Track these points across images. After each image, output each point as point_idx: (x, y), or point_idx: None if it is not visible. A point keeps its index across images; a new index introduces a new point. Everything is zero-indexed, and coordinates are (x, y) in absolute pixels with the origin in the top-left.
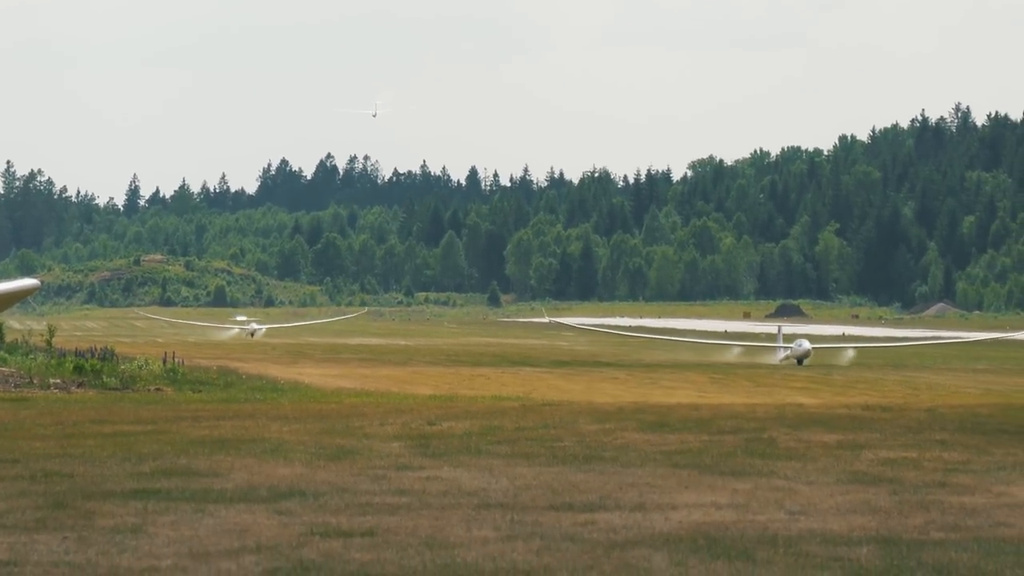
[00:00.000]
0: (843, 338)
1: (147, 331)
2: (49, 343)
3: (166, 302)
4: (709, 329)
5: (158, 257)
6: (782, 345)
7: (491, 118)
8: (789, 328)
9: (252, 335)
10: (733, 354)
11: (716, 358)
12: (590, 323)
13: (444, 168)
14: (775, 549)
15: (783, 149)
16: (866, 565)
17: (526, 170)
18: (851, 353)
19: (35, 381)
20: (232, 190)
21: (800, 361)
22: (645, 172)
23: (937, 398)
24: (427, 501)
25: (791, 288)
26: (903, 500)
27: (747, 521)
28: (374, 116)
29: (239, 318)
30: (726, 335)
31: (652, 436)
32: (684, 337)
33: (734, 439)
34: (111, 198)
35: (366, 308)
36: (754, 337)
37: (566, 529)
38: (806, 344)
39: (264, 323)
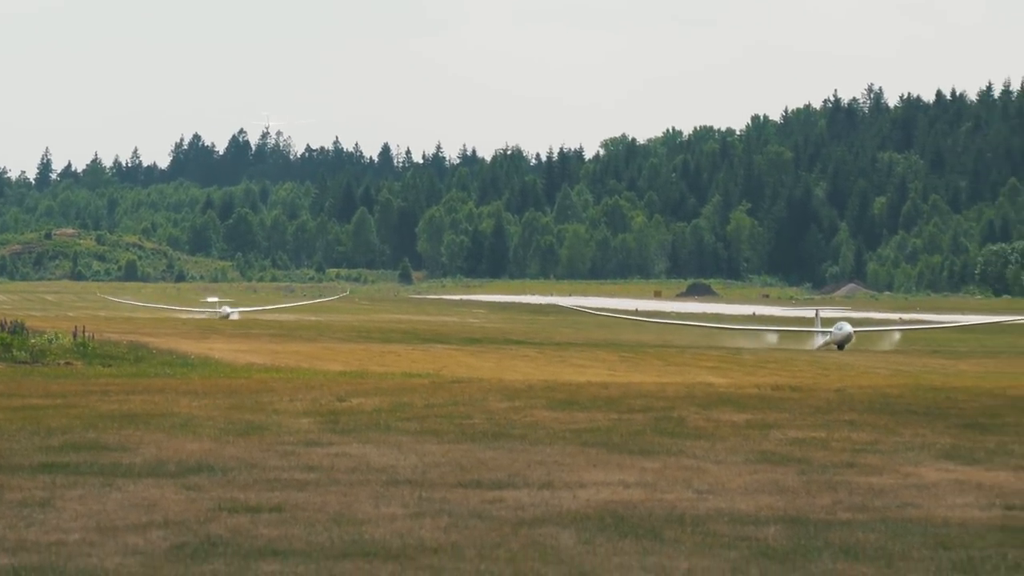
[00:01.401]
0: (889, 321)
1: (58, 305)
2: None
3: (77, 276)
4: (725, 312)
5: (69, 231)
6: (820, 330)
7: (404, 95)
8: (717, 307)
9: (226, 318)
10: (768, 342)
11: (741, 345)
12: (590, 305)
13: (357, 145)
14: (683, 528)
15: (695, 128)
16: (773, 545)
17: (439, 147)
18: (896, 336)
19: None
20: (144, 164)
21: (841, 346)
22: (557, 150)
23: (846, 378)
24: (335, 477)
25: (702, 267)
26: (811, 480)
27: (655, 500)
28: (266, 128)
29: (210, 299)
30: (755, 318)
31: (561, 414)
32: (705, 323)
33: (643, 418)
34: (23, 171)
35: (348, 290)
36: (783, 321)
37: (474, 506)
38: (847, 328)
39: (237, 306)
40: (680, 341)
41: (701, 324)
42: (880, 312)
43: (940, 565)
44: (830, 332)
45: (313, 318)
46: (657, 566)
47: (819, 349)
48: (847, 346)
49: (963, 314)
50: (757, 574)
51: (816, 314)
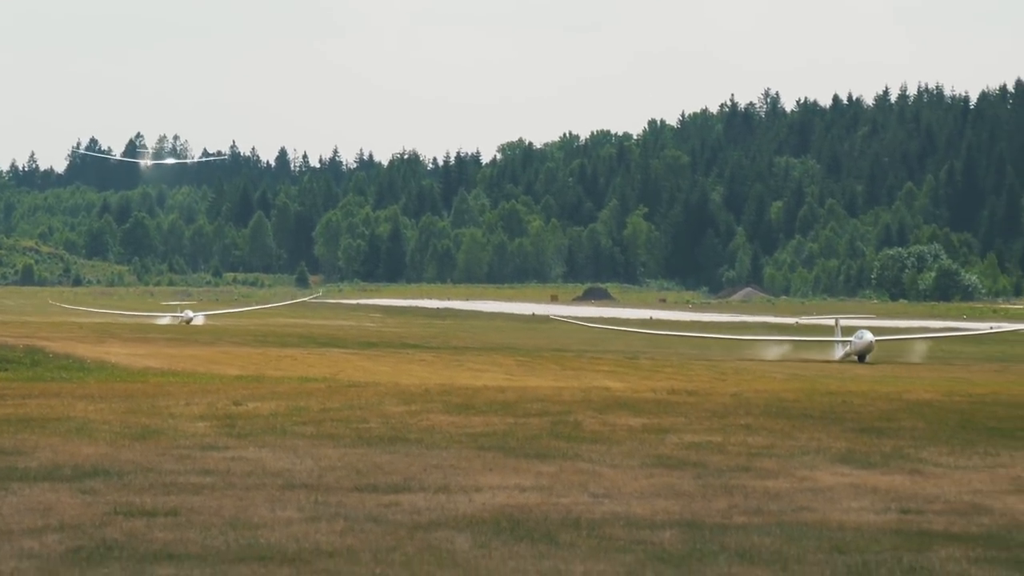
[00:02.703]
0: (913, 330)
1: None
2: None
3: None
4: (726, 321)
5: None
6: (841, 339)
7: (301, 99)
8: (614, 311)
9: (188, 323)
10: (775, 353)
11: (748, 355)
12: (564, 314)
13: (254, 149)
14: (578, 532)
15: (592, 133)
16: (669, 549)
17: (335, 151)
18: (924, 346)
19: None
20: (41, 168)
21: (862, 357)
22: (455, 154)
23: (743, 383)
24: (231, 481)
25: (599, 271)
26: (707, 484)
27: (551, 504)
28: (146, 165)
29: (172, 303)
30: (772, 328)
31: (457, 418)
32: (711, 333)
33: (539, 422)
34: None
35: (321, 291)
36: (789, 329)
37: (370, 510)
38: (868, 336)
39: (199, 310)
40: (577, 345)
41: (712, 335)
42: (901, 320)
43: (835, 569)
44: (850, 341)
45: (212, 323)
46: (552, 570)
47: (841, 360)
48: (868, 357)
49: (999, 321)
50: None
51: (836, 323)
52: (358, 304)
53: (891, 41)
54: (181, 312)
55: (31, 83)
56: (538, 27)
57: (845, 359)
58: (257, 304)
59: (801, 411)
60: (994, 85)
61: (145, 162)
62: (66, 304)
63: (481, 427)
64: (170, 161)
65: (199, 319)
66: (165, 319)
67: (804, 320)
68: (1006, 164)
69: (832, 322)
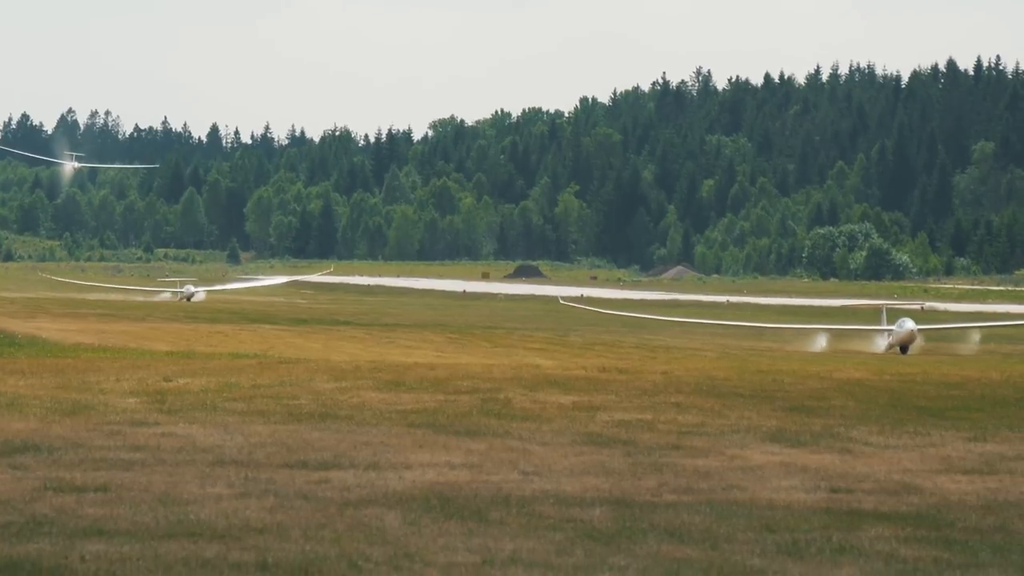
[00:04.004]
0: (963, 315)
1: None
2: None
3: None
4: (552, 293)
5: None
6: (886, 328)
7: (233, 75)
8: (546, 289)
9: (188, 299)
10: (819, 345)
11: (785, 346)
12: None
13: (186, 125)
14: (508, 509)
15: (524, 110)
16: (598, 526)
17: (267, 128)
18: (977, 336)
19: None
20: None
21: (904, 349)
22: (386, 131)
23: (673, 361)
24: (162, 457)
25: (530, 249)
26: (637, 462)
27: (481, 481)
28: (75, 168)
29: (170, 278)
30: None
31: (388, 395)
32: (742, 321)
33: (470, 399)
34: None
35: (332, 266)
36: (828, 316)
37: (300, 487)
38: (908, 324)
39: (200, 285)
40: (508, 323)
41: (749, 324)
42: (953, 302)
43: (765, 547)
44: (891, 330)
45: (142, 299)
46: (482, 547)
47: (886, 351)
48: (912, 348)
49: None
50: (582, 555)
51: (883, 311)
52: (292, 280)
53: (823, 20)
54: (182, 287)
55: None
56: (470, 5)
57: (888, 351)
58: (263, 278)
59: (731, 389)
60: (926, 64)
61: (72, 164)
62: (58, 278)
63: (411, 404)
64: (96, 165)
65: (200, 295)
66: (164, 295)
67: (734, 299)
68: (937, 144)
69: (880, 309)
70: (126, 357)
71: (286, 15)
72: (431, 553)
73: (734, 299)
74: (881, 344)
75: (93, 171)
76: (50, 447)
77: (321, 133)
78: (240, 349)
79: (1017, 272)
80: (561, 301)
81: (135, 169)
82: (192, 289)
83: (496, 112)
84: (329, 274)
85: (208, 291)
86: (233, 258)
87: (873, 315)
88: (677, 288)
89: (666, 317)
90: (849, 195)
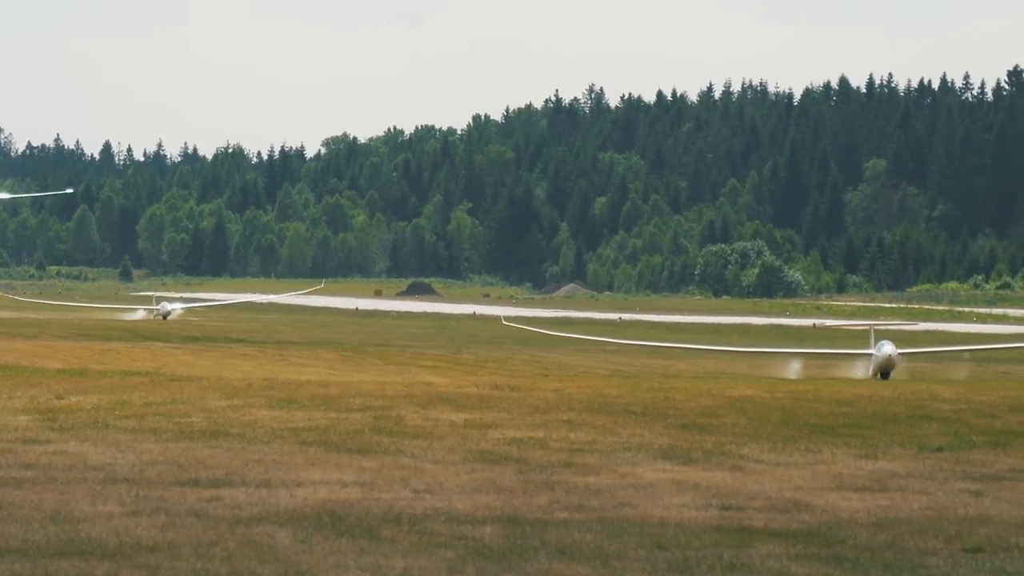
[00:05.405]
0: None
1: None
2: None
3: None
4: (447, 312)
5: None
6: (871, 352)
7: (126, 92)
8: (440, 307)
9: (165, 317)
10: (793, 371)
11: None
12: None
13: (78, 142)
14: (400, 527)
15: (417, 127)
16: (490, 544)
17: (160, 145)
18: (967, 355)
19: None
20: None
21: (884, 374)
22: (279, 149)
23: (565, 378)
24: (53, 475)
25: (423, 266)
26: (528, 480)
27: (372, 499)
28: None
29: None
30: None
31: (280, 413)
32: (726, 346)
33: (362, 417)
34: None
35: (323, 283)
36: (799, 338)
37: (191, 505)
38: (887, 348)
39: (176, 302)
40: (401, 341)
41: (728, 348)
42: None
43: (656, 565)
44: (871, 354)
45: (33, 316)
46: (373, 565)
47: (872, 377)
48: (892, 374)
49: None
50: (473, 573)
51: (872, 333)
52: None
53: (715, 38)
54: (157, 305)
55: None
56: (362, 20)
57: (872, 376)
58: (252, 296)
59: (623, 407)
60: (818, 82)
61: None
62: (20, 297)
63: (303, 422)
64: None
65: (177, 311)
66: (138, 313)
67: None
68: (829, 161)
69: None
70: (18, 375)
71: (181, 32)
72: (322, 571)
73: (626, 316)
74: (859, 371)
75: None
76: None
77: (214, 150)
78: (132, 367)
79: (909, 289)
80: (504, 321)
81: (28, 187)
82: (168, 307)
83: (389, 129)
84: (318, 292)
85: (185, 308)
86: (125, 276)
87: (849, 337)
88: (570, 305)
89: (622, 340)
90: (741, 212)
